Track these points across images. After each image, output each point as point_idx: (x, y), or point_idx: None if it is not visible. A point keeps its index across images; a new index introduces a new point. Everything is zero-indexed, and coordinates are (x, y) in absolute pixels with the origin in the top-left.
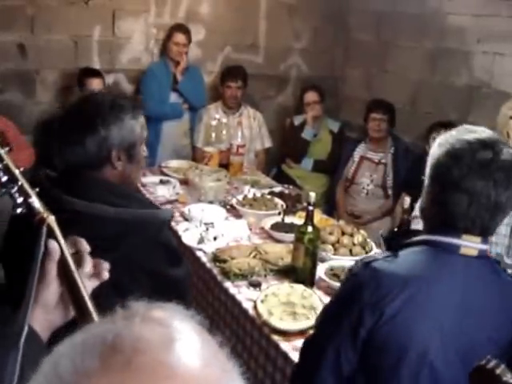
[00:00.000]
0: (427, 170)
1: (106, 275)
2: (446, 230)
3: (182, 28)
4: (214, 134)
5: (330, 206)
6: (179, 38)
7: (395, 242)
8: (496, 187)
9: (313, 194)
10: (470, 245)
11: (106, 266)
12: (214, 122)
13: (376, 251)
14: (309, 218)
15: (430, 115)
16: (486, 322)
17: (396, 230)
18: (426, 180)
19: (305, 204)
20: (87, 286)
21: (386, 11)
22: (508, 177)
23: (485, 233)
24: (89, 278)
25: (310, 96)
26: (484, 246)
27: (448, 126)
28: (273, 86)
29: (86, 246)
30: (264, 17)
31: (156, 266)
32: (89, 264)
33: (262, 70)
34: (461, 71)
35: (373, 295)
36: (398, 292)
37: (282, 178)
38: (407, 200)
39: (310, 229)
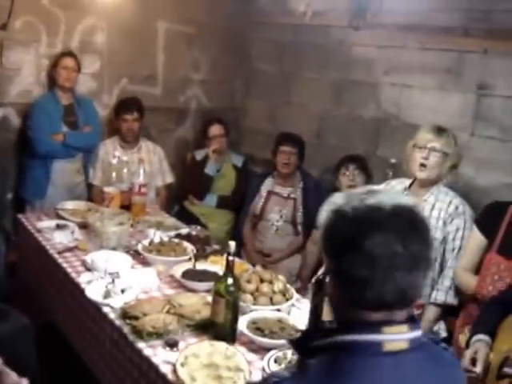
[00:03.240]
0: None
1: None
2: (361, 324)
3: (69, 53)
4: (114, 174)
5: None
6: (67, 61)
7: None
8: (399, 237)
9: (233, 244)
10: (395, 338)
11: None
12: (114, 161)
13: (296, 297)
14: (229, 269)
15: (337, 148)
16: None
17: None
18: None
19: (215, 246)
20: None
21: (289, 41)
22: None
23: (409, 305)
24: None
25: (215, 129)
26: (414, 333)
27: (357, 159)
28: (172, 119)
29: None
30: (162, 47)
31: None
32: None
33: (161, 102)
34: (368, 103)
35: None
36: None
37: (184, 215)
38: None
39: (230, 281)
